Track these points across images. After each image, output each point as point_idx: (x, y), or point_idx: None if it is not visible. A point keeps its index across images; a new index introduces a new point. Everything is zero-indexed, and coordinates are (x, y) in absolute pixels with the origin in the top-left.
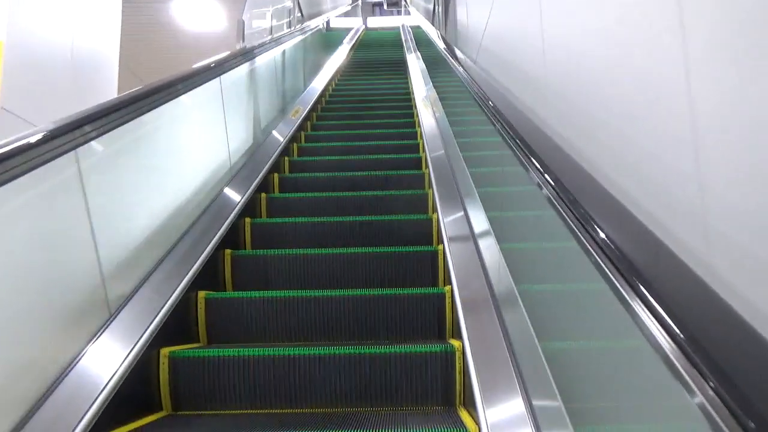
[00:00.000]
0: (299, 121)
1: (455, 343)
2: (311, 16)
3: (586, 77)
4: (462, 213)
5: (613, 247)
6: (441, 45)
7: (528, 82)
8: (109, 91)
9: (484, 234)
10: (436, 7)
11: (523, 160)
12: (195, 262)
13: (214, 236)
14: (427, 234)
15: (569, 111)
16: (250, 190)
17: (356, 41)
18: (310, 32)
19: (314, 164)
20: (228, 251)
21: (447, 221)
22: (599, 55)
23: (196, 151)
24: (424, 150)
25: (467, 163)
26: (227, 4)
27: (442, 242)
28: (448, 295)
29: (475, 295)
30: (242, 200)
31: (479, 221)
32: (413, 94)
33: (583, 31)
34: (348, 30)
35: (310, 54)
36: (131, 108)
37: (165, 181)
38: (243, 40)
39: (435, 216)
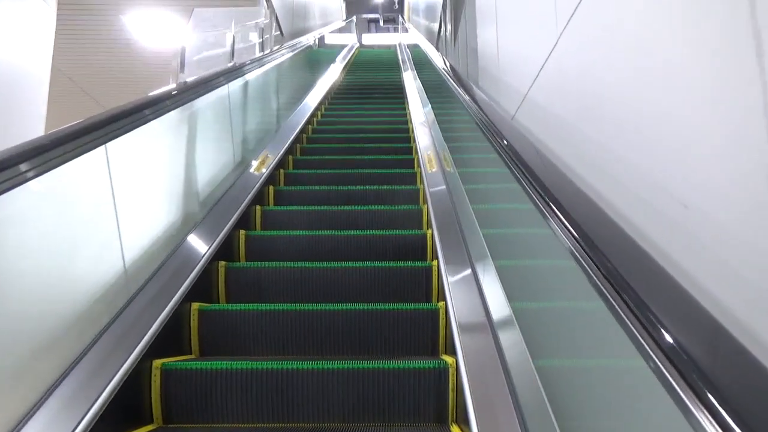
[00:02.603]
0: (264, 177)
1: (448, 359)
2: (295, 34)
3: None
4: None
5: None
6: (452, 81)
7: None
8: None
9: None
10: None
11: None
12: None
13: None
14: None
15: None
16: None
17: (349, 61)
18: (290, 54)
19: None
20: None
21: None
22: None
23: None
24: (433, 245)
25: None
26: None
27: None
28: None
29: None
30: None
31: None
32: (414, 134)
33: None
34: (341, 47)
35: (290, 79)
36: None
37: None
38: (183, 70)
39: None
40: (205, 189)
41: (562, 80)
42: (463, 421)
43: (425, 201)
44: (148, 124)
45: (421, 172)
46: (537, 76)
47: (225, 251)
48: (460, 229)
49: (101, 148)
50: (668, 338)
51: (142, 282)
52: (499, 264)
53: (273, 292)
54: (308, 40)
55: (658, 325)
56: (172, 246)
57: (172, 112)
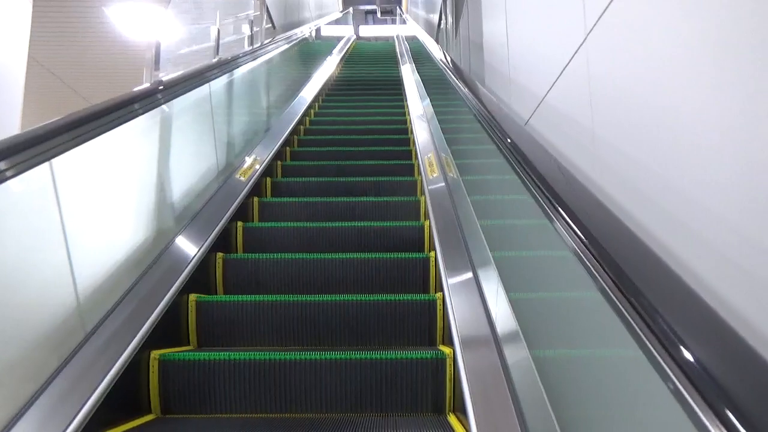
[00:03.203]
0: (251, 182)
1: (446, 349)
2: (288, 27)
3: None
4: None
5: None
6: (454, 78)
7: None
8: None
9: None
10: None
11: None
12: None
13: None
14: None
15: None
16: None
17: (345, 54)
18: (282, 48)
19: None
20: None
21: None
22: None
23: None
24: (432, 244)
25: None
26: (191, 11)
27: None
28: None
29: None
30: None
31: None
32: (414, 135)
33: None
34: (338, 39)
35: (282, 75)
36: None
37: None
38: (158, 68)
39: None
40: (181, 202)
41: (592, 86)
42: (461, 410)
43: (427, 216)
44: (111, 131)
45: (421, 180)
46: (558, 78)
47: (199, 277)
48: (463, 237)
49: (44, 165)
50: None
51: (94, 324)
52: (500, 266)
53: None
54: (303, 32)
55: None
56: (137, 273)
57: (141, 117)
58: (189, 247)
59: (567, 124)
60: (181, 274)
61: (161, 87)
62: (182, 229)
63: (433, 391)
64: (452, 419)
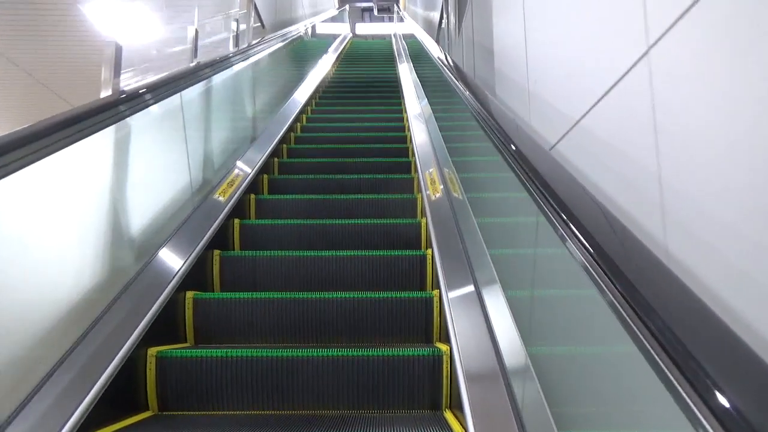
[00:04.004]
0: (230, 205)
1: (442, 346)
2: (279, 25)
3: None
4: None
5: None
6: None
7: None
8: None
9: None
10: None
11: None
12: None
13: None
14: None
15: None
16: None
17: (341, 52)
18: (271, 48)
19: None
20: None
21: None
22: None
23: None
24: (435, 279)
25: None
26: (164, 9)
27: None
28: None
29: None
30: None
31: None
32: (413, 144)
33: None
34: (334, 38)
35: (271, 78)
36: None
37: None
38: (118, 74)
39: None
40: (144, 232)
41: (659, 115)
42: (457, 407)
43: (429, 244)
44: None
45: (422, 200)
46: (601, 98)
47: (164, 321)
48: (465, 248)
49: None
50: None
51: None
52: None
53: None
54: (298, 30)
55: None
56: (85, 325)
57: (93, 137)
58: (151, 291)
59: (616, 160)
60: (133, 332)
61: (116, 101)
62: (144, 268)
63: (430, 387)
64: (449, 416)
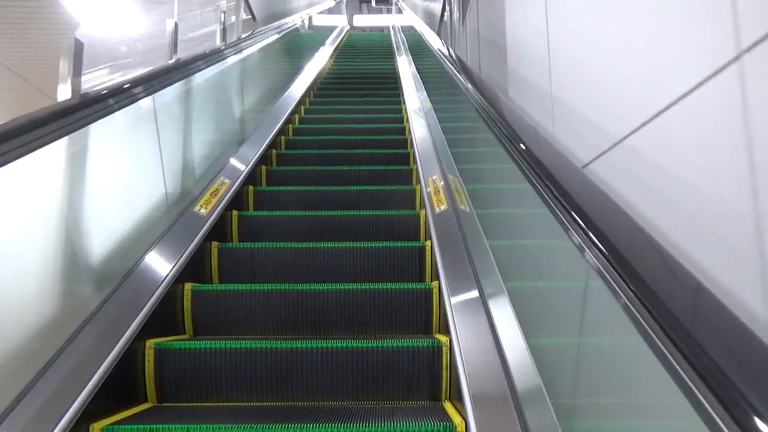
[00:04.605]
0: (210, 223)
1: (442, 338)
2: (271, 18)
3: None
4: None
5: None
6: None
7: None
8: None
9: None
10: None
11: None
12: None
13: None
14: None
15: None
16: None
17: (338, 45)
18: (262, 42)
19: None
20: None
21: None
22: None
23: None
24: (444, 322)
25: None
26: (149, 4)
27: None
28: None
29: None
30: None
31: None
32: (414, 142)
33: None
34: (331, 29)
35: (262, 75)
36: None
37: None
38: (78, 74)
39: None
40: (108, 259)
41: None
42: (457, 398)
43: (435, 275)
44: None
45: (425, 216)
46: (661, 112)
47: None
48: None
49: None
50: None
51: None
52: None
53: None
54: (293, 22)
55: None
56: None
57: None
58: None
59: (681, 194)
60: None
61: (72, 107)
62: (95, 312)
63: (429, 379)
64: (448, 406)
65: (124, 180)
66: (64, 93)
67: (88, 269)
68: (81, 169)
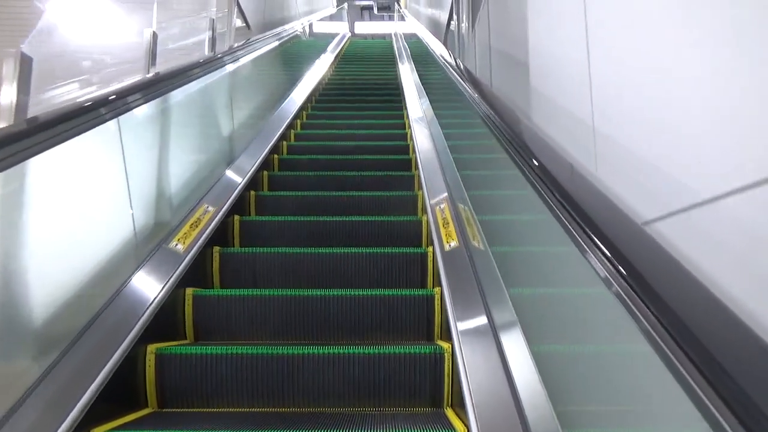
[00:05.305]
0: (186, 264)
1: (444, 344)
2: (268, 26)
3: None
4: None
5: None
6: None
7: None
8: None
9: None
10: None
11: None
12: None
13: None
14: None
15: None
16: None
17: (339, 53)
18: (256, 52)
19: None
20: None
21: None
22: None
23: None
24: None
25: None
26: (138, 11)
27: None
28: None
29: None
30: None
31: None
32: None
33: None
34: (332, 37)
35: (255, 88)
36: None
37: None
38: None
39: None
40: (57, 319)
41: None
42: (459, 405)
43: (448, 335)
44: None
45: (433, 254)
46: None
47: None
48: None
49: None
50: None
51: None
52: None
53: None
54: (293, 29)
55: None
56: None
57: None
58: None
59: None
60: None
61: (45, 122)
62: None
63: (431, 385)
64: (450, 413)
65: (74, 221)
66: (5, 115)
67: (34, 334)
68: (11, 216)
